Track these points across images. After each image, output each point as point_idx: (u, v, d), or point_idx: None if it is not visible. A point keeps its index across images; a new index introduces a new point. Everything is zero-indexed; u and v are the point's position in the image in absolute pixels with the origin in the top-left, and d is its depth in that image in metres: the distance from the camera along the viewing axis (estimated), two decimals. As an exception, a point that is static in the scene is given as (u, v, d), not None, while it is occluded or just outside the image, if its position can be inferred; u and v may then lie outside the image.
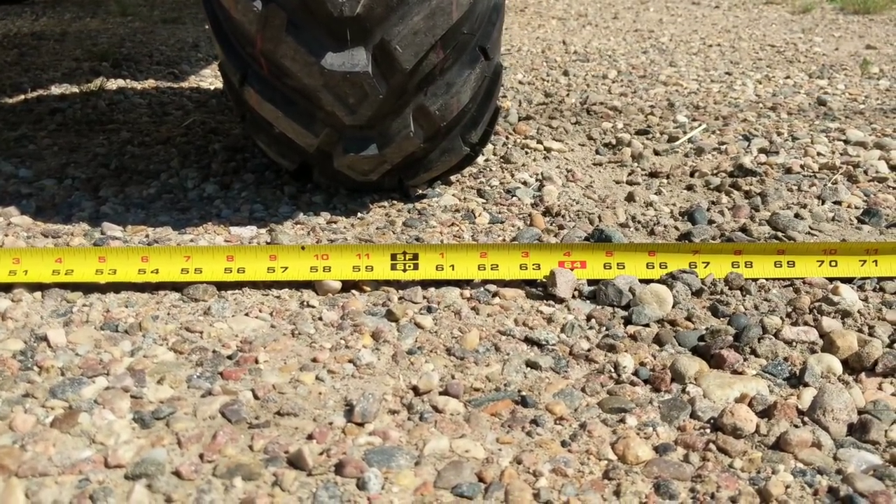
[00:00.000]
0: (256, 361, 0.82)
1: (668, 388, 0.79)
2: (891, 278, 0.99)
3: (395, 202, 1.28)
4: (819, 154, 1.54)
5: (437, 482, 0.65)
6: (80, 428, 0.70)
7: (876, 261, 1.00)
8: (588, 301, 0.97)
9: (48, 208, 1.25)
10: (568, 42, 2.91)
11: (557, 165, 1.48)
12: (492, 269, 0.99)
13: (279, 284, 0.99)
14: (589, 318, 0.93)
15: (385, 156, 1.16)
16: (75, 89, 2.04)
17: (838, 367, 0.81)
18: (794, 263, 1.01)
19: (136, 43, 2.77)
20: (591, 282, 0.99)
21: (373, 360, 0.83)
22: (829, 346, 0.84)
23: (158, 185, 1.35)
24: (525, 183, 1.37)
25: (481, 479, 0.65)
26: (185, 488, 0.64)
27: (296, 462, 0.66)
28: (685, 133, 1.67)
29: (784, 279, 1.01)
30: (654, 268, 1.00)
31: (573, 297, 0.97)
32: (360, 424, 0.72)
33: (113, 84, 2.13)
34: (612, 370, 0.82)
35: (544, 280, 0.99)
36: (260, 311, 0.93)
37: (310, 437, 0.70)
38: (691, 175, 1.43)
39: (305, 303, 0.95)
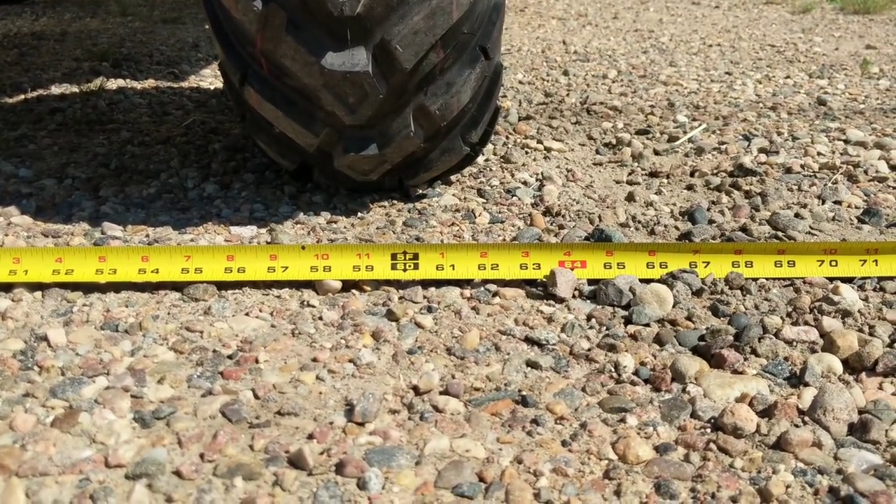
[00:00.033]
0: (257, 361, 0.82)
1: (669, 388, 0.79)
2: (891, 278, 0.99)
3: (395, 202, 1.28)
4: (819, 154, 1.54)
5: (437, 482, 0.65)
6: (81, 428, 0.70)
7: (876, 260, 1.00)
8: (588, 301, 0.97)
9: (48, 208, 1.25)
10: (568, 42, 2.91)
11: (557, 165, 1.48)
12: (492, 268, 0.99)
13: (279, 284, 0.99)
14: (589, 317, 0.93)
15: (385, 155, 1.16)
16: (75, 89, 2.04)
17: (839, 367, 0.81)
18: (795, 263, 1.01)
19: (136, 43, 2.77)
20: (591, 281, 0.99)
21: (373, 360, 0.83)
22: (830, 345, 0.84)
23: (158, 185, 1.35)
24: (525, 183, 1.37)
25: (482, 479, 0.65)
26: (186, 488, 0.64)
27: (296, 462, 0.66)
28: (685, 133, 1.67)
29: (784, 279, 1.01)
30: (654, 267, 1.00)
31: (573, 296, 0.97)
32: (361, 424, 0.72)
33: (113, 84, 2.13)
34: (613, 370, 0.82)
35: (544, 280, 0.99)
36: (260, 310, 0.93)
37: (310, 436, 0.70)
38: (691, 175, 1.43)
39: (306, 302, 0.95)
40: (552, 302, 0.96)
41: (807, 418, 0.73)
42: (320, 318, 0.92)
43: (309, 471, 0.66)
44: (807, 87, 2.16)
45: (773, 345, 0.84)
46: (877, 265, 1.00)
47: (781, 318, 0.91)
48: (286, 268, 0.98)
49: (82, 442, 0.69)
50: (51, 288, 0.96)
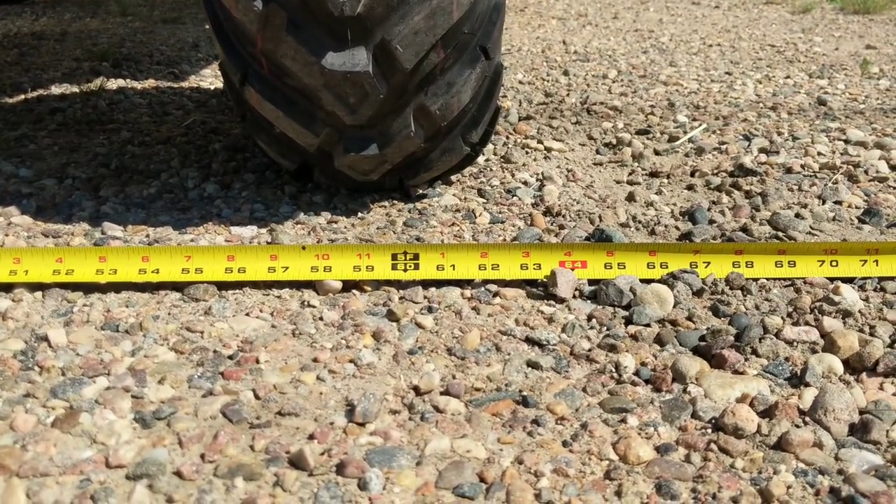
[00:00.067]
0: (257, 361, 0.82)
1: (670, 388, 0.79)
2: (891, 278, 0.99)
3: (395, 202, 1.28)
4: (819, 154, 1.54)
5: (438, 482, 0.65)
6: (81, 428, 0.70)
7: (877, 261, 1.00)
8: (589, 301, 0.97)
9: (48, 208, 1.25)
10: (568, 42, 2.91)
11: (558, 165, 1.48)
12: (492, 268, 0.99)
13: (280, 284, 0.99)
14: (590, 317, 0.93)
15: (386, 155, 1.16)
16: (75, 89, 2.04)
17: (839, 367, 0.81)
18: (795, 263, 1.01)
19: (136, 43, 2.77)
20: (591, 282, 0.99)
21: (374, 360, 0.83)
22: (831, 345, 0.84)
23: (159, 185, 1.35)
24: (525, 183, 1.37)
25: (482, 480, 0.65)
26: (187, 488, 0.64)
27: (297, 462, 0.66)
28: (685, 133, 1.67)
29: (785, 279, 1.01)
30: (654, 268, 1.00)
31: (574, 296, 0.97)
32: (362, 424, 0.72)
33: (113, 84, 2.13)
34: (613, 370, 0.82)
35: (545, 280, 0.99)
36: (261, 310, 0.93)
37: (311, 437, 0.70)
38: (692, 175, 1.43)
39: (306, 303, 0.95)
40: (553, 302, 0.96)
41: (807, 419, 0.73)
42: (321, 319, 0.92)
43: (310, 471, 0.66)
44: (807, 87, 2.16)
45: (774, 345, 0.84)
46: (877, 265, 1.00)
47: (782, 318, 0.91)
48: (287, 268, 0.98)
49: (83, 442, 0.69)
50: (51, 288, 0.96)
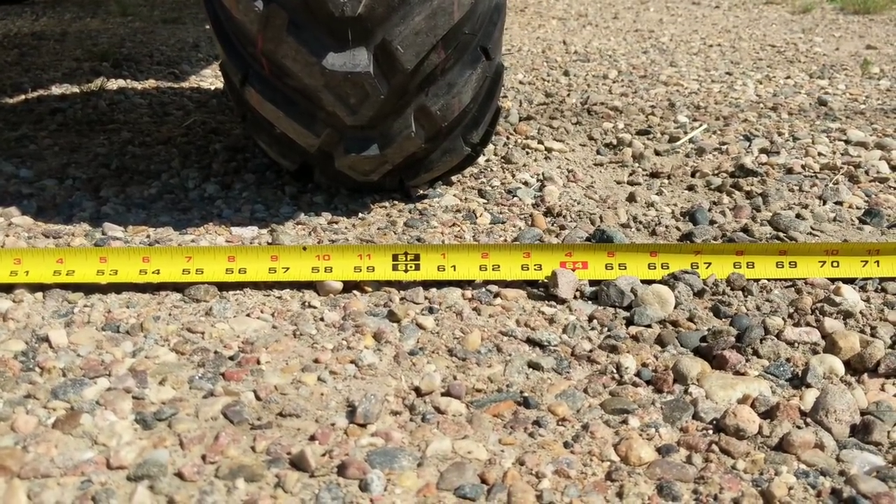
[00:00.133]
0: (258, 362, 0.82)
1: (671, 389, 0.79)
2: (892, 279, 0.99)
3: (396, 202, 1.28)
4: (820, 154, 1.54)
5: (439, 483, 0.65)
6: (82, 429, 0.70)
7: (878, 261, 1.00)
8: (590, 302, 0.97)
9: (49, 208, 1.25)
10: (568, 42, 2.91)
11: (558, 166, 1.48)
12: (493, 269, 0.99)
13: (280, 285, 0.99)
14: (591, 318, 0.93)
15: (386, 156, 1.16)
16: (76, 89, 2.04)
17: (840, 368, 0.81)
18: (796, 264, 1.01)
19: (136, 43, 2.77)
20: (592, 282, 0.99)
21: (375, 361, 0.83)
22: (832, 346, 0.84)
23: (159, 186, 1.35)
24: (526, 183, 1.37)
25: (484, 481, 0.65)
26: (188, 490, 0.64)
27: (298, 463, 0.66)
28: (686, 133, 1.67)
29: (786, 280, 1.01)
30: (655, 268, 1.00)
31: (575, 297, 0.97)
32: (363, 425, 0.72)
33: (113, 84, 2.13)
34: (615, 371, 0.82)
35: (546, 281, 0.99)
36: (261, 311, 0.93)
37: (312, 438, 0.70)
38: (692, 175, 1.43)
39: (307, 303, 0.95)
40: (553, 303, 0.96)
41: (809, 420, 0.73)
42: (322, 319, 0.92)
43: (311, 472, 0.66)
44: (807, 87, 2.16)
45: (775, 346, 0.84)
46: (878, 266, 1.00)
47: (783, 319, 0.91)
48: (287, 268, 0.98)
49: (84, 443, 0.69)
50: (52, 289, 0.96)
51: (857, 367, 0.82)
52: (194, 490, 0.63)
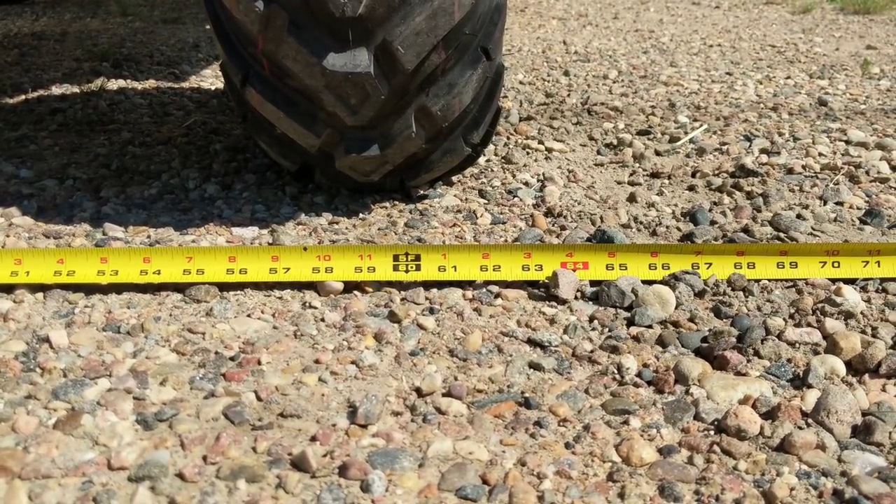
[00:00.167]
0: (259, 363, 0.82)
1: (672, 390, 0.79)
2: (893, 279, 0.99)
3: (396, 203, 1.28)
4: (820, 154, 1.54)
5: (440, 484, 0.65)
6: (83, 430, 0.70)
7: (878, 262, 1.00)
8: (590, 302, 0.97)
9: (49, 209, 1.25)
10: (568, 42, 2.91)
11: (559, 166, 1.48)
12: (494, 270, 0.99)
13: (281, 285, 0.99)
14: (591, 319, 0.93)
15: (387, 156, 1.16)
16: (76, 89, 2.04)
17: (842, 369, 0.81)
18: (797, 264, 1.01)
19: (136, 43, 2.76)
20: (593, 283, 0.99)
21: (375, 362, 0.83)
22: (833, 347, 0.84)
23: (160, 186, 1.35)
24: (526, 183, 1.37)
25: (485, 482, 0.65)
26: (189, 490, 0.64)
27: (299, 464, 0.66)
28: (686, 133, 1.67)
29: (786, 280, 1.01)
30: (656, 269, 1.00)
31: (575, 298, 0.97)
32: (364, 426, 0.72)
33: (114, 84, 2.13)
34: (616, 372, 0.82)
35: (546, 281, 0.99)
36: (262, 312, 0.93)
37: (313, 438, 0.70)
38: (693, 175, 1.43)
39: (308, 304, 0.95)
40: (554, 303, 0.96)
41: (810, 420, 0.73)
42: (322, 320, 0.92)
43: (312, 473, 0.65)
44: (807, 87, 2.16)
45: (776, 346, 0.84)
46: (879, 266, 1.00)
47: (784, 319, 0.91)
48: (288, 269, 0.98)
49: (85, 444, 0.69)
50: (52, 289, 0.96)
51: (859, 368, 0.82)
52: (195, 491, 0.63)
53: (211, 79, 2.26)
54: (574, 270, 0.99)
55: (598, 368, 0.83)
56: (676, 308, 0.94)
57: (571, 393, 0.78)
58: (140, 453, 0.67)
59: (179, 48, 2.69)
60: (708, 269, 1.00)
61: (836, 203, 1.28)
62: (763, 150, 1.56)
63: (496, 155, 1.53)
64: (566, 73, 2.33)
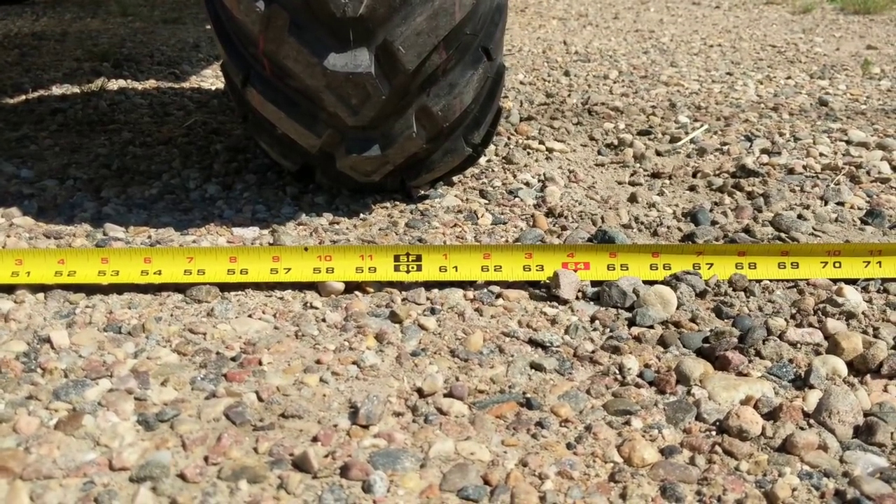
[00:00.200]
0: (260, 363, 0.82)
1: (674, 390, 0.78)
2: (895, 280, 0.99)
3: (397, 203, 1.27)
4: (821, 155, 1.54)
5: (442, 485, 0.65)
6: (85, 430, 0.70)
7: (880, 262, 1.00)
8: (592, 302, 0.97)
9: (50, 209, 1.25)
10: (569, 42, 2.91)
11: (559, 166, 1.48)
12: (495, 270, 0.99)
13: (282, 286, 0.99)
14: (593, 319, 0.93)
15: (388, 156, 1.16)
16: (76, 89, 2.04)
17: (843, 369, 0.81)
18: (798, 265, 1.01)
19: (136, 43, 2.76)
20: (594, 283, 0.99)
21: (377, 362, 0.83)
22: (834, 347, 0.84)
23: (160, 186, 1.35)
24: (527, 184, 1.37)
25: (487, 482, 0.65)
26: (190, 491, 0.63)
27: (301, 464, 0.66)
28: (687, 133, 1.67)
29: (788, 280, 1.01)
30: (657, 269, 1.00)
31: (577, 298, 0.97)
32: (365, 427, 0.72)
33: (114, 84, 2.13)
34: (617, 372, 0.82)
35: (548, 281, 0.98)
36: (263, 312, 0.93)
37: (315, 439, 0.70)
38: (694, 176, 1.43)
39: (309, 304, 0.95)
40: (555, 304, 0.96)
41: (812, 421, 0.73)
42: (323, 320, 0.91)
43: (314, 474, 0.65)
44: (808, 87, 2.16)
45: (778, 347, 0.84)
46: (880, 266, 1.00)
47: (785, 319, 0.91)
48: (289, 269, 0.98)
49: (86, 444, 0.69)
50: (53, 289, 0.96)
51: (860, 368, 0.81)
52: (197, 491, 0.63)
53: (211, 79, 2.26)
54: (575, 271, 0.99)
55: (599, 369, 0.83)
56: (678, 308, 0.94)
57: (573, 393, 0.78)
58: (141, 454, 0.67)
59: (180, 48, 2.69)
60: (709, 269, 1.00)
61: (837, 203, 1.28)
62: (764, 151, 1.56)
63: (497, 155, 1.53)
64: (567, 74, 2.33)
